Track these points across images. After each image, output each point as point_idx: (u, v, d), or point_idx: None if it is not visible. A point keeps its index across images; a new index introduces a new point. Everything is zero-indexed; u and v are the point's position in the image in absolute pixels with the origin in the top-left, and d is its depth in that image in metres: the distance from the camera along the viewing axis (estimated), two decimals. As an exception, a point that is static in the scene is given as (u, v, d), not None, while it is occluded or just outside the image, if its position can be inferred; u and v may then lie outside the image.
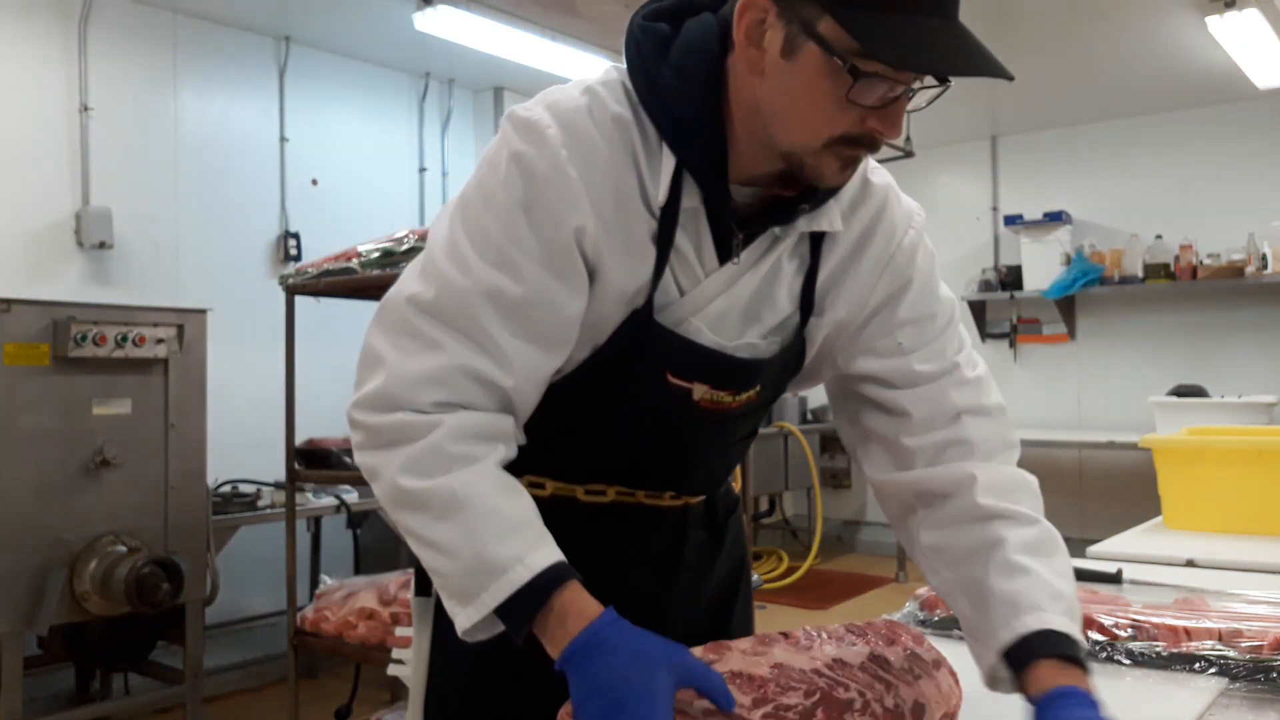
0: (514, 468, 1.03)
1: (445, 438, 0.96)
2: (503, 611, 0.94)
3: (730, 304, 1.07)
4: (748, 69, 0.97)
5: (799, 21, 0.92)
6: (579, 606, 0.93)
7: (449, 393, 0.98)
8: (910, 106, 0.97)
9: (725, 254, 1.05)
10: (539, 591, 0.93)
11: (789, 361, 1.15)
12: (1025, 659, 0.98)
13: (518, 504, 0.98)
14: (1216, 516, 2.34)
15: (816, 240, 1.11)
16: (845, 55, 0.90)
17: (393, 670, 1.22)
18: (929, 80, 0.95)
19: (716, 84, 0.99)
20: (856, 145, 0.98)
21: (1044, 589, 1.01)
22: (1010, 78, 0.91)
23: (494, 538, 0.94)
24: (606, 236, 0.99)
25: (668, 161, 1.00)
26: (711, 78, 0.99)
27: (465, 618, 0.95)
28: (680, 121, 0.99)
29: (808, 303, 1.12)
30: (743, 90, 0.99)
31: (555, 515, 1.02)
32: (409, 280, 1.01)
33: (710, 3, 1.03)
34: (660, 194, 1.00)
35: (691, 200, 1.02)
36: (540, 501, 1.02)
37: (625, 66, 1.03)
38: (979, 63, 0.91)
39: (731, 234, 1.04)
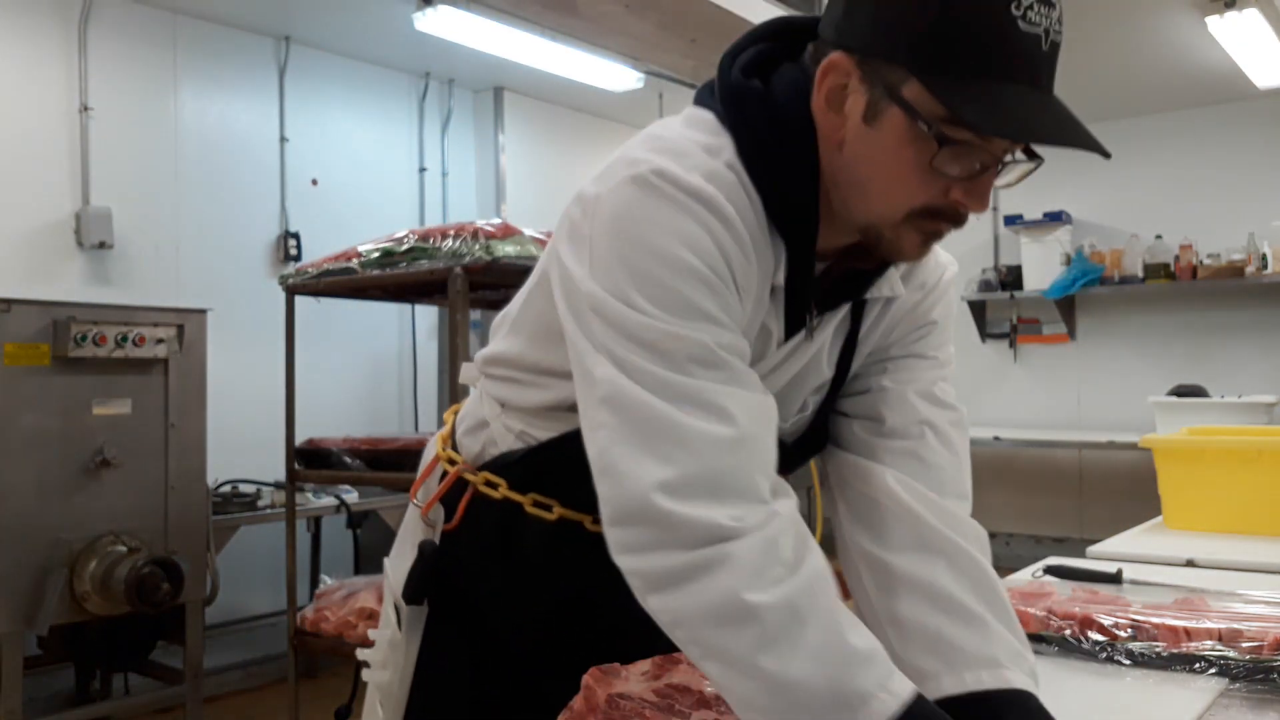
0: (522, 487, 1.03)
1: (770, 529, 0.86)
2: None
3: (786, 375, 1.04)
4: (828, 134, 0.93)
5: (883, 85, 0.88)
6: None
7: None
8: (1000, 182, 0.95)
9: (793, 327, 1.01)
10: None
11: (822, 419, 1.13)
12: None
13: (852, 616, 0.86)
14: (1216, 516, 2.34)
15: (859, 302, 1.06)
16: (931, 121, 0.87)
17: (366, 675, 1.22)
18: (1019, 154, 0.93)
19: (816, 159, 0.94)
20: (939, 219, 0.93)
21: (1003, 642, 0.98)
22: (1107, 155, 0.91)
23: (851, 663, 0.82)
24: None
25: (777, 242, 0.95)
26: (813, 153, 0.93)
27: None
28: (794, 207, 0.94)
29: (845, 364, 1.09)
30: (822, 158, 0.94)
31: (560, 541, 1.03)
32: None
33: (785, 44, 0.99)
34: (780, 277, 0.96)
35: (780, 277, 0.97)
36: (545, 525, 1.02)
37: (718, 126, 0.97)
38: (1073, 134, 0.91)
39: (808, 309, 1.00)
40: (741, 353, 0.91)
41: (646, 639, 0.94)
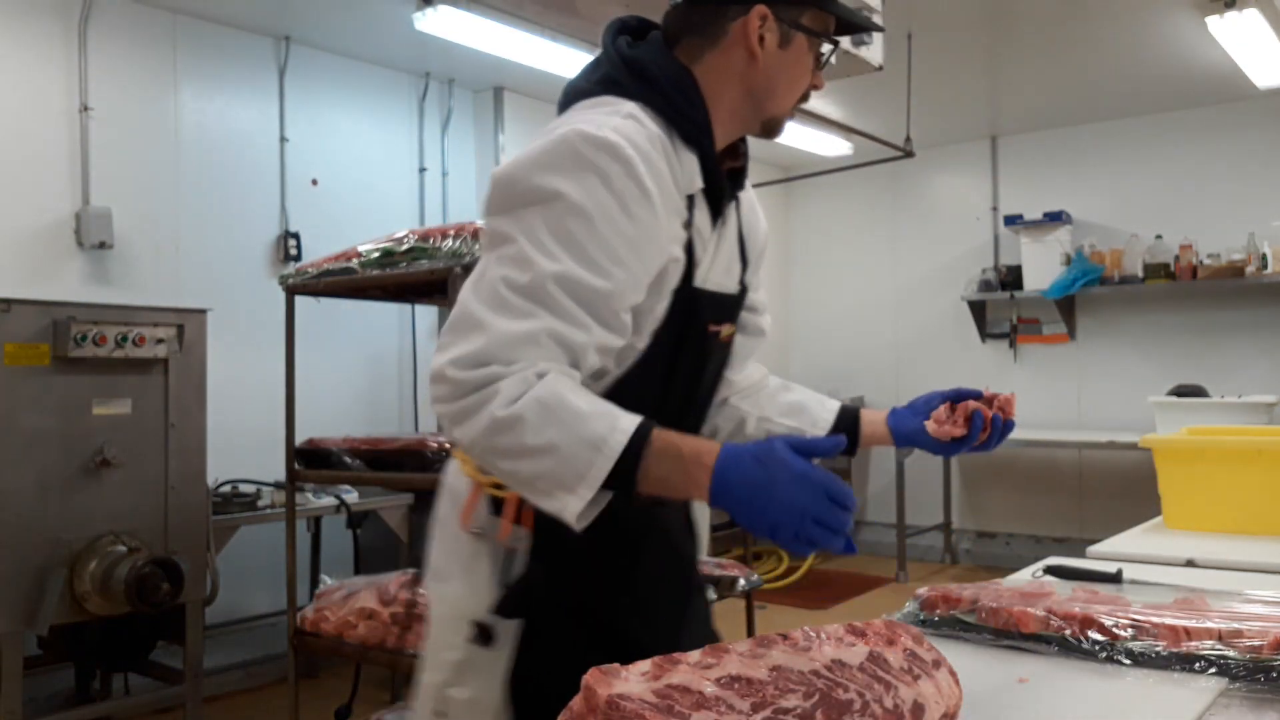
0: None
1: (528, 373, 1.12)
2: (611, 478, 1.09)
3: (720, 258, 1.39)
4: (746, 63, 1.31)
5: (789, 21, 1.31)
6: (691, 446, 1.12)
7: (539, 353, 1.14)
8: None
9: (714, 220, 1.36)
10: (636, 449, 1.09)
11: (740, 299, 1.47)
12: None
13: (591, 397, 1.14)
14: (1216, 516, 2.34)
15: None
16: (823, 34, 1.35)
17: (453, 693, 1.27)
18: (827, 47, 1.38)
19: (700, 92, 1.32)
20: (805, 99, 1.39)
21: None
22: (881, 29, 1.48)
23: (585, 421, 1.10)
24: (667, 230, 1.25)
25: (689, 158, 1.29)
26: (698, 89, 1.31)
27: (577, 500, 1.09)
28: (697, 125, 1.29)
29: (743, 250, 1.46)
30: (726, 83, 1.32)
31: (616, 518, 1.17)
32: (498, 266, 1.17)
33: (640, 26, 1.39)
34: (696, 183, 1.30)
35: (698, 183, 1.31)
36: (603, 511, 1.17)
37: (628, 89, 1.29)
38: (872, 21, 1.42)
39: (721, 203, 1.36)
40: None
41: (692, 570, 1.49)
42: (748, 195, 1.50)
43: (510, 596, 1.29)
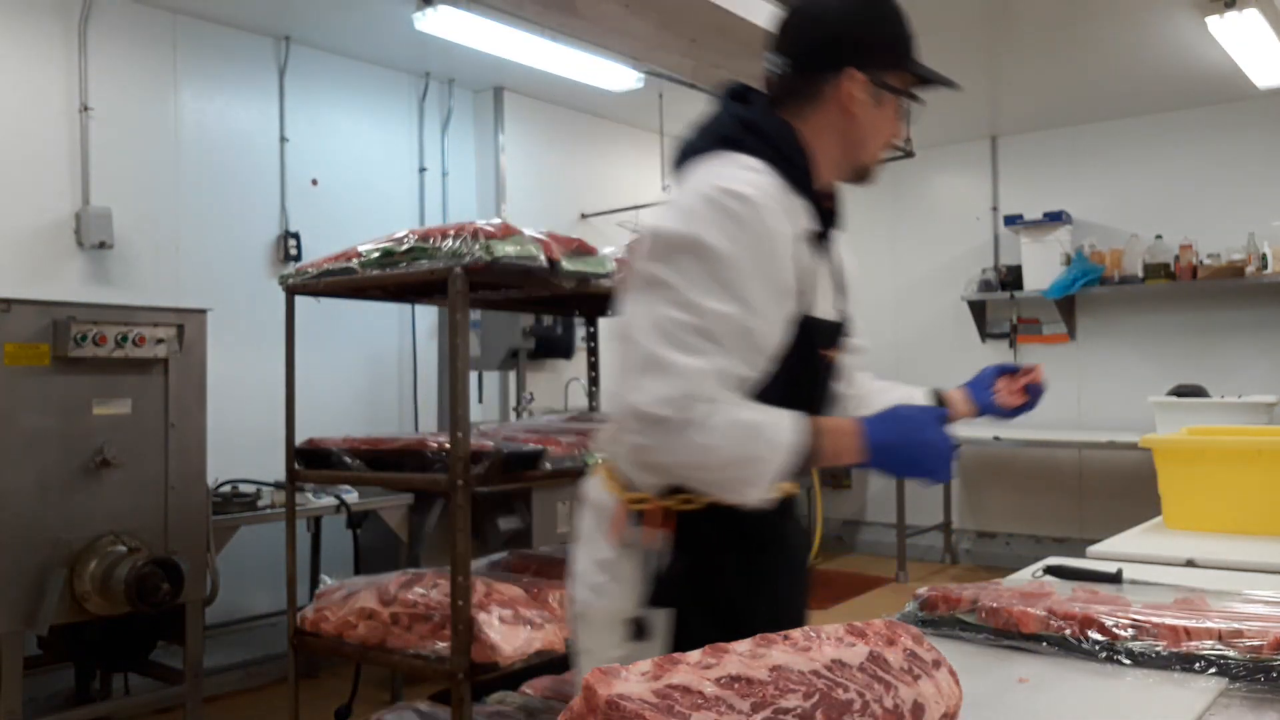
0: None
1: (715, 403, 1.33)
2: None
3: (825, 289, 1.54)
4: (843, 119, 1.52)
5: (879, 80, 1.52)
6: (839, 424, 1.42)
7: (716, 385, 1.34)
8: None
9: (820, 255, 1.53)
10: (803, 442, 1.35)
11: (842, 325, 1.63)
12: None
13: (759, 407, 1.38)
14: (1216, 516, 2.34)
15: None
16: (906, 91, 1.56)
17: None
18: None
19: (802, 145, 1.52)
20: (890, 147, 1.61)
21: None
22: (957, 86, 1.64)
23: (763, 430, 1.34)
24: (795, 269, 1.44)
25: (799, 204, 1.47)
26: (800, 142, 1.51)
27: (763, 492, 1.36)
28: (804, 175, 1.49)
29: (840, 282, 1.62)
30: (825, 136, 1.53)
31: (736, 522, 1.44)
32: (665, 308, 1.36)
33: (744, 91, 1.59)
34: (806, 225, 1.48)
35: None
36: (734, 512, 1.40)
37: (743, 146, 1.48)
38: (949, 79, 1.62)
39: (824, 242, 1.54)
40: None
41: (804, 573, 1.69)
42: (839, 234, 1.65)
43: (659, 589, 1.45)
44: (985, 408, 1.83)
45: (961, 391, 1.84)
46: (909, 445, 1.39)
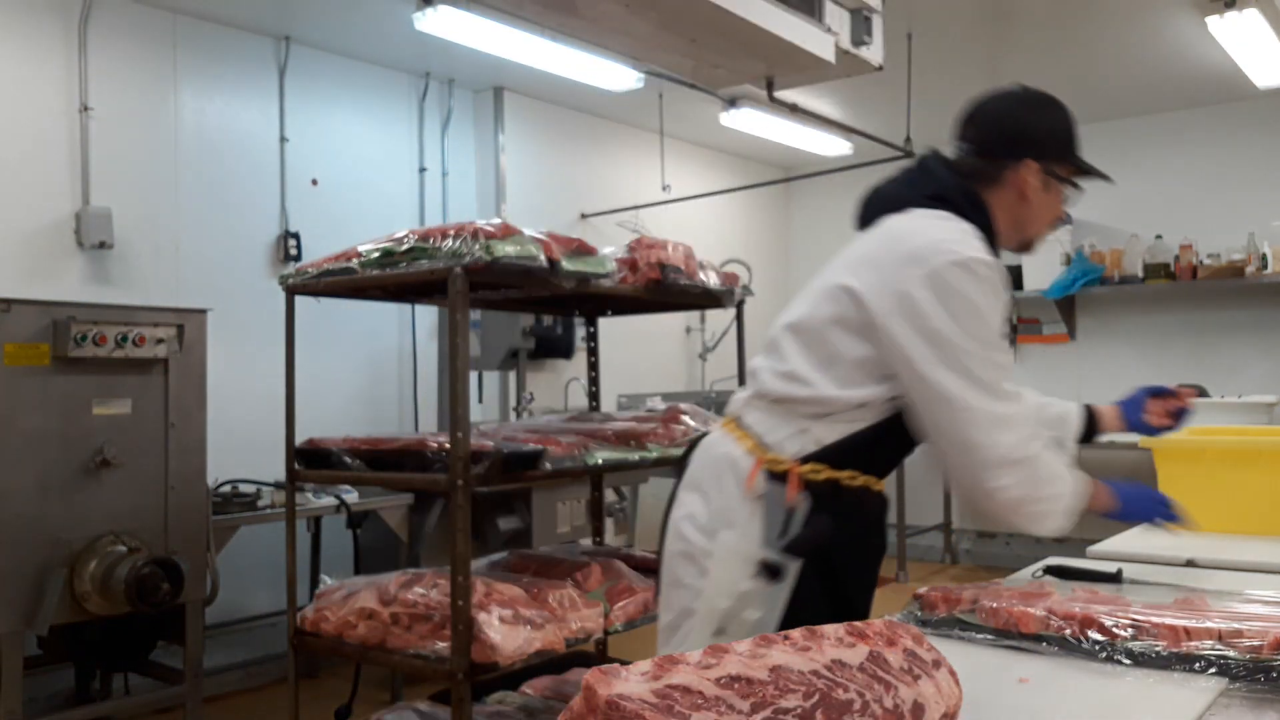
0: (839, 463, 1.70)
1: (1042, 451, 1.66)
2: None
3: None
4: (1018, 201, 1.82)
5: (1051, 171, 1.81)
6: (1104, 490, 1.76)
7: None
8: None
9: None
10: (1089, 489, 1.71)
11: None
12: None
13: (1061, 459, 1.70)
14: (1216, 516, 2.34)
15: None
16: (1071, 181, 1.86)
17: (746, 615, 1.65)
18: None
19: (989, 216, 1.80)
20: (1054, 227, 1.96)
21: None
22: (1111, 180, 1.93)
23: (1067, 481, 1.66)
24: None
25: (1005, 281, 1.73)
26: (989, 214, 1.79)
27: (1061, 525, 1.66)
28: (993, 244, 1.76)
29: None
30: (1001, 211, 1.81)
31: (857, 498, 1.72)
32: (980, 369, 1.62)
33: (941, 159, 1.87)
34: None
35: None
36: (850, 489, 1.71)
37: (947, 204, 1.75)
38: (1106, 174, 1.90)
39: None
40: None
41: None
42: None
43: (798, 541, 1.65)
44: (1134, 425, 2.11)
45: (1113, 408, 2.13)
46: (1144, 504, 1.81)
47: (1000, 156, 1.80)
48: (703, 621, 1.68)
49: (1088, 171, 1.86)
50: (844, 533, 1.70)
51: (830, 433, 1.70)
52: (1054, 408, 2.11)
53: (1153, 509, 1.82)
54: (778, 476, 1.69)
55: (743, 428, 1.78)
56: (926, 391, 1.62)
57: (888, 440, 1.72)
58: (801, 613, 1.56)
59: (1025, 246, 1.89)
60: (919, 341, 1.61)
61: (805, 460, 1.70)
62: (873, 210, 1.82)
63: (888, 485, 1.84)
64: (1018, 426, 1.61)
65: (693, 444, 1.93)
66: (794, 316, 1.80)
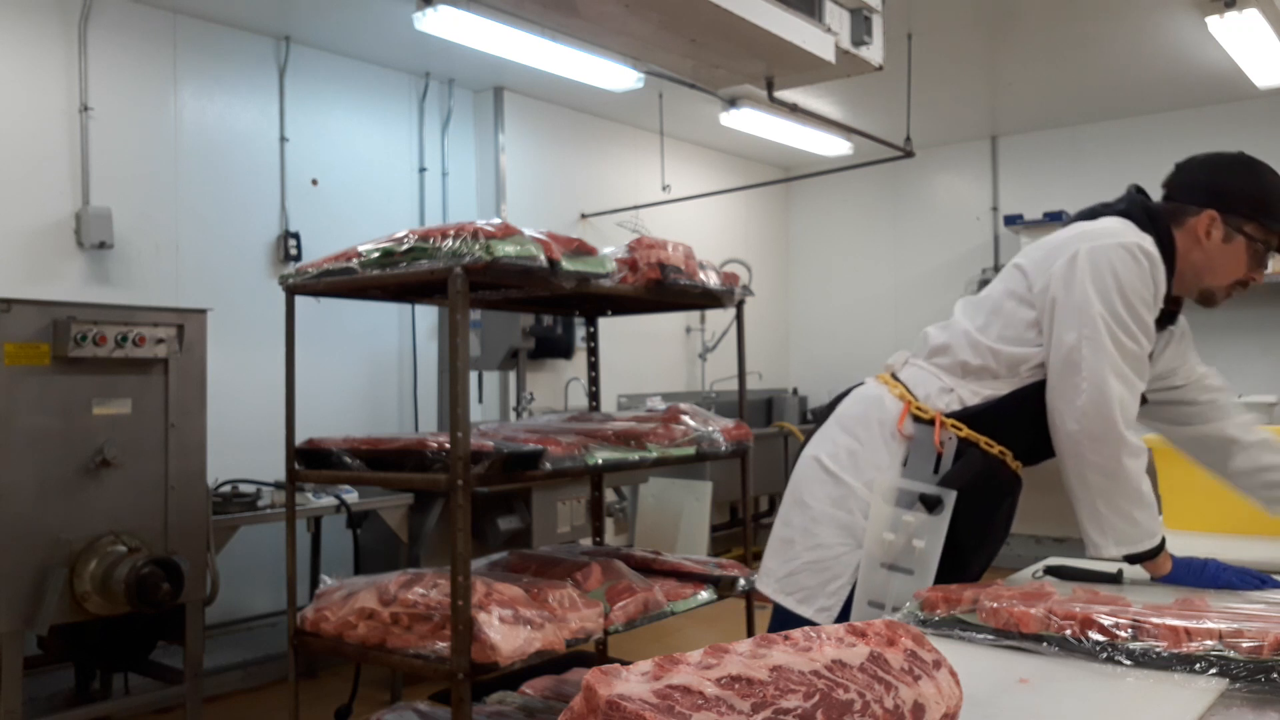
0: (977, 429, 1.85)
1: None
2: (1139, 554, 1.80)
3: (1153, 354, 1.92)
4: (1195, 246, 1.90)
5: (1234, 225, 1.89)
6: (1168, 556, 1.82)
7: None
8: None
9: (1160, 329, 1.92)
10: (1158, 549, 1.80)
11: None
12: None
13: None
14: (1217, 516, 2.34)
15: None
16: (1262, 241, 1.89)
17: (916, 543, 1.80)
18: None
19: (1174, 253, 1.90)
20: (1240, 285, 1.95)
21: None
22: None
23: (1154, 513, 1.80)
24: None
25: (1164, 281, 1.84)
26: (1174, 250, 1.89)
27: (1118, 550, 1.79)
28: (1169, 269, 1.85)
29: (1152, 356, 1.91)
30: (1184, 256, 1.90)
31: (993, 466, 1.85)
32: (1111, 346, 1.77)
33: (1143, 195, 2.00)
34: (1160, 303, 1.85)
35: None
36: (988, 455, 1.84)
37: (1133, 218, 1.88)
38: None
39: (1169, 323, 1.99)
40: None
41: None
42: (1180, 328, 2.08)
43: (952, 475, 1.81)
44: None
45: None
46: (1197, 574, 1.82)
47: (1187, 201, 1.93)
48: (870, 555, 1.83)
49: None
50: (978, 485, 1.83)
51: (974, 395, 1.88)
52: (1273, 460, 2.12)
53: (1206, 584, 1.81)
54: (925, 422, 1.86)
55: (896, 380, 1.97)
56: (1059, 348, 1.79)
57: (1025, 415, 1.85)
58: (950, 542, 1.79)
59: (1205, 299, 1.97)
60: (1067, 301, 1.78)
61: (948, 415, 1.86)
62: (1088, 217, 1.98)
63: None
64: (1134, 410, 1.76)
65: (845, 391, 2.09)
66: (972, 292, 2.00)
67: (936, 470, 1.83)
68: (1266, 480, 2.10)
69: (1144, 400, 1.91)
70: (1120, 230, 1.83)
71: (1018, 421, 1.86)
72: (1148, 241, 1.81)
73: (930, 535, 1.79)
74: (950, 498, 1.79)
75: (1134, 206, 1.92)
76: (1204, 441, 2.14)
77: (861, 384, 2.04)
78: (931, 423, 1.85)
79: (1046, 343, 1.81)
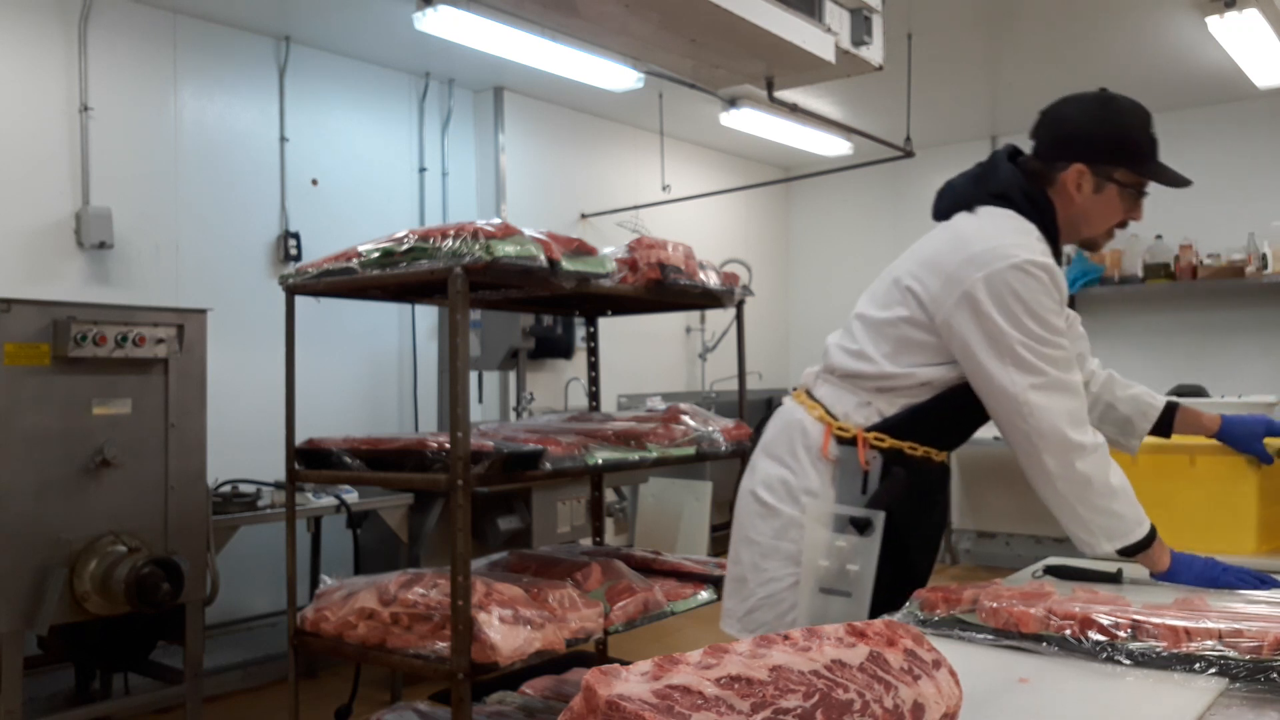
0: (900, 434, 1.87)
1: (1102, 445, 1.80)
2: (1131, 547, 1.78)
3: None
4: (1069, 202, 1.89)
5: (1103, 175, 1.87)
6: (1164, 545, 1.80)
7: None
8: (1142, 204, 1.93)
9: None
10: (1150, 538, 1.78)
11: None
12: (1170, 416, 2.13)
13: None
14: (1172, 532, 2.19)
15: None
16: (1133, 186, 1.88)
17: (849, 568, 1.81)
18: (1150, 187, 1.91)
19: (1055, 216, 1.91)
20: (1120, 226, 1.95)
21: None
22: (1189, 183, 1.89)
23: (1136, 503, 1.78)
24: None
25: (1064, 281, 1.82)
26: (1054, 214, 1.90)
27: (1108, 545, 1.76)
28: (1054, 241, 1.88)
29: None
30: (1061, 211, 1.89)
31: (919, 467, 1.89)
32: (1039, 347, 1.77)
33: (1015, 152, 1.97)
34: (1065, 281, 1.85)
35: None
36: (912, 458, 1.88)
37: (1007, 201, 1.87)
38: (1186, 180, 1.89)
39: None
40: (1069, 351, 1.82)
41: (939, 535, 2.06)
42: None
43: (879, 495, 1.85)
44: (1237, 441, 2.11)
45: (1214, 418, 2.13)
46: (1198, 577, 1.78)
47: (1053, 159, 1.90)
48: (808, 581, 1.86)
49: (1151, 177, 1.88)
50: (908, 497, 1.87)
51: (891, 406, 1.88)
52: (1133, 390, 2.18)
53: (1208, 584, 1.78)
54: (847, 441, 1.88)
55: (813, 399, 1.97)
56: (988, 384, 1.79)
57: (946, 415, 1.87)
58: (886, 563, 1.81)
59: (1087, 245, 1.98)
60: (980, 337, 1.77)
61: (869, 430, 1.88)
62: (945, 203, 1.96)
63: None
64: (1078, 412, 1.76)
65: (769, 412, 2.12)
66: (865, 308, 1.96)
67: (865, 489, 1.85)
68: (1115, 418, 2.15)
69: None
70: (1007, 244, 1.78)
71: (940, 421, 1.89)
72: (1036, 246, 1.80)
73: (863, 558, 1.81)
74: (879, 519, 1.82)
75: (1013, 189, 1.88)
76: None
77: (781, 404, 2.07)
78: (854, 441, 1.87)
79: (971, 378, 1.81)
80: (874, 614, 1.78)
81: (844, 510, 1.84)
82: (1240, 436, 2.11)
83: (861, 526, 1.82)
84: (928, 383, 1.86)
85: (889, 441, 1.86)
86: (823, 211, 8.00)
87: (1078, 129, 1.91)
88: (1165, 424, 2.15)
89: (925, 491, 1.93)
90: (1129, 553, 1.78)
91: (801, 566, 1.86)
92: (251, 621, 4.74)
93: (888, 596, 1.81)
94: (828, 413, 1.92)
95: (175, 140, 4.67)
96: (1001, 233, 1.81)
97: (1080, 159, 1.86)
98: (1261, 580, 1.77)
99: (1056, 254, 1.88)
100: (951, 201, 1.94)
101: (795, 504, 1.90)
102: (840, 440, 1.88)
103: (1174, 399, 2.18)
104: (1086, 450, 1.74)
